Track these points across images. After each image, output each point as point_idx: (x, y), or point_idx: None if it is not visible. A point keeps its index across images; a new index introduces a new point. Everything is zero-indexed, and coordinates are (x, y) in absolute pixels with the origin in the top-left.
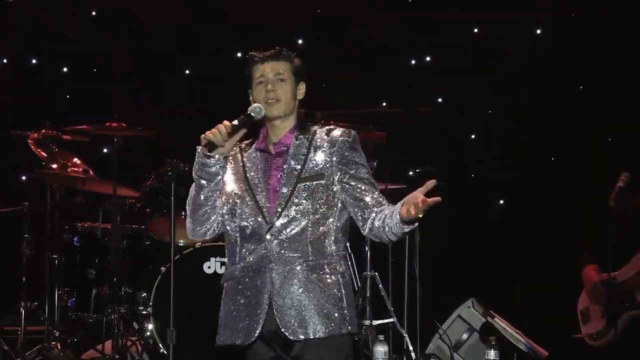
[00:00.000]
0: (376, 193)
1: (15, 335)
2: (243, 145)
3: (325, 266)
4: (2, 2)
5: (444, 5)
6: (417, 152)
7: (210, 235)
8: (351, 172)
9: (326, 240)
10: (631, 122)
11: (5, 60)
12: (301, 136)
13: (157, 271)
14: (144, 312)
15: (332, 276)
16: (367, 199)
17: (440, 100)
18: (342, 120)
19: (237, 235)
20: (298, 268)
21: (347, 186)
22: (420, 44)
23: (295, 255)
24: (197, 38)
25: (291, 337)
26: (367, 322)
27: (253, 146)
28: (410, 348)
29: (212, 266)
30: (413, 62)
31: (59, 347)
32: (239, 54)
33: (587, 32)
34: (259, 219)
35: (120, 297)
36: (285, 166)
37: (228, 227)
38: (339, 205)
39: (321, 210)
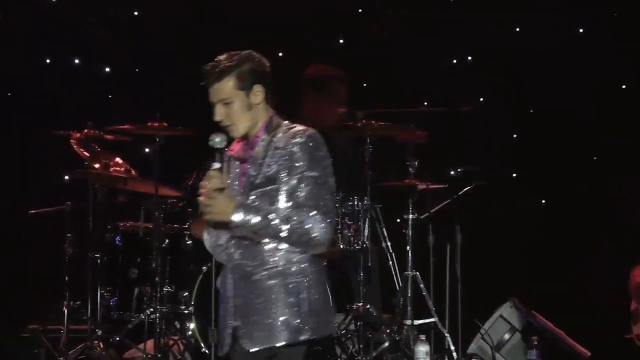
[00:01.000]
0: (305, 202)
1: (58, 334)
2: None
3: (288, 272)
4: (45, 2)
5: (485, 5)
6: (458, 152)
7: None
8: (300, 176)
9: (286, 245)
10: None
11: (48, 61)
12: (265, 137)
13: (199, 270)
14: (186, 312)
15: (294, 282)
16: (295, 205)
17: (481, 99)
18: (382, 120)
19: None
20: (257, 277)
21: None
22: (461, 44)
23: (254, 264)
24: (238, 38)
25: (252, 349)
26: (408, 322)
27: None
28: (452, 348)
29: None
30: (454, 61)
31: (102, 346)
32: (280, 54)
33: (631, 32)
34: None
35: (162, 297)
36: (246, 174)
37: None
38: None
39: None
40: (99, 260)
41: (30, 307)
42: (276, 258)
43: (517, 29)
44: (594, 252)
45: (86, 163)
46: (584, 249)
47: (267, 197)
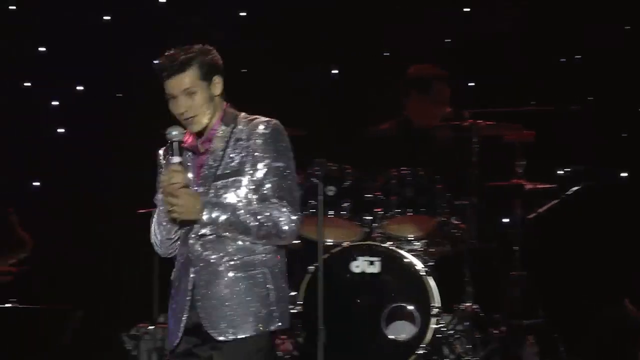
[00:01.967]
0: (273, 194)
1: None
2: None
3: (253, 262)
4: (153, 5)
5: (595, 2)
6: (566, 151)
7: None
8: (267, 168)
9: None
10: None
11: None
12: (223, 128)
13: (306, 270)
14: (294, 311)
15: (260, 272)
16: (263, 198)
17: (590, 98)
18: (489, 119)
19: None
20: (221, 268)
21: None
22: (570, 42)
23: (217, 255)
24: (344, 37)
25: (220, 338)
26: (517, 322)
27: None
28: (561, 349)
29: (359, 265)
30: (563, 60)
31: None
32: (388, 53)
33: None
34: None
35: None
36: (205, 165)
37: None
38: None
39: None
40: None
41: (141, 305)
42: (240, 249)
43: (627, 27)
44: None
45: None
46: None
47: (230, 190)
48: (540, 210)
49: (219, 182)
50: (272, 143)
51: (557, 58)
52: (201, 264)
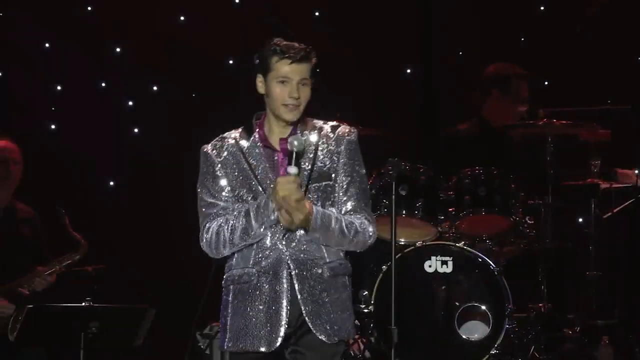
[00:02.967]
0: (358, 202)
1: None
2: (237, 137)
3: (339, 268)
4: (227, 3)
5: None
6: None
7: None
8: (351, 175)
9: None
10: None
11: (231, 62)
12: (306, 132)
13: (379, 269)
14: (366, 311)
15: (344, 278)
16: (348, 205)
17: None
18: (564, 118)
19: None
20: (319, 271)
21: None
22: None
23: (314, 258)
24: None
25: (328, 341)
26: (591, 323)
27: (250, 140)
28: (636, 349)
29: (433, 265)
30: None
31: None
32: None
33: None
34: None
35: None
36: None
37: None
38: None
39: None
40: None
41: (215, 303)
42: (331, 253)
43: None
44: None
45: None
46: None
47: (322, 194)
48: (616, 209)
49: (313, 186)
50: (356, 151)
51: (634, 57)
52: (298, 267)
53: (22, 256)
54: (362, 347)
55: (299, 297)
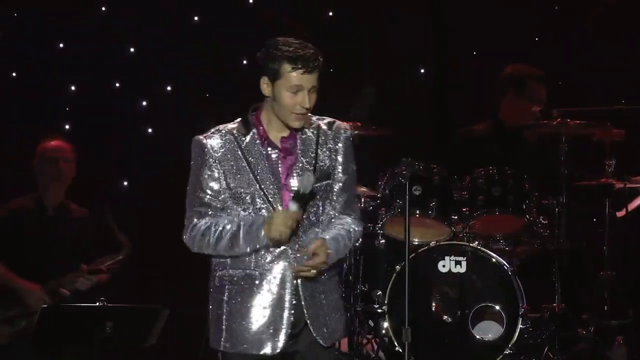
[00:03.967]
0: (351, 199)
1: None
2: (235, 132)
3: (333, 266)
4: (242, 3)
5: None
6: None
7: None
8: (347, 173)
9: None
10: None
11: (245, 62)
12: (306, 130)
13: (392, 270)
14: (379, 311)
15: (337, 277)
16: (342, 202)
17: None
18: (578, 118)
19: None
20: (324, 277)
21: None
22: None
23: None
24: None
25: (325, 344)
26: (605, 322)
27: (248, 137)
28: None
29: (446, 265)
30: None
31: None
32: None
33: None
34: None
35: (355, 295)
36: (298, 165)
37: None
38: None
39: (326, 210)
40: None
41: None
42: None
43: None
44: None
45: None
46: None
47: (324, 193)
48: (630, 209)
49: (316, 186)
50: (351, 147)
51: None
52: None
53: (69, 256)
54: (375, 347)
55: (302, 300)
